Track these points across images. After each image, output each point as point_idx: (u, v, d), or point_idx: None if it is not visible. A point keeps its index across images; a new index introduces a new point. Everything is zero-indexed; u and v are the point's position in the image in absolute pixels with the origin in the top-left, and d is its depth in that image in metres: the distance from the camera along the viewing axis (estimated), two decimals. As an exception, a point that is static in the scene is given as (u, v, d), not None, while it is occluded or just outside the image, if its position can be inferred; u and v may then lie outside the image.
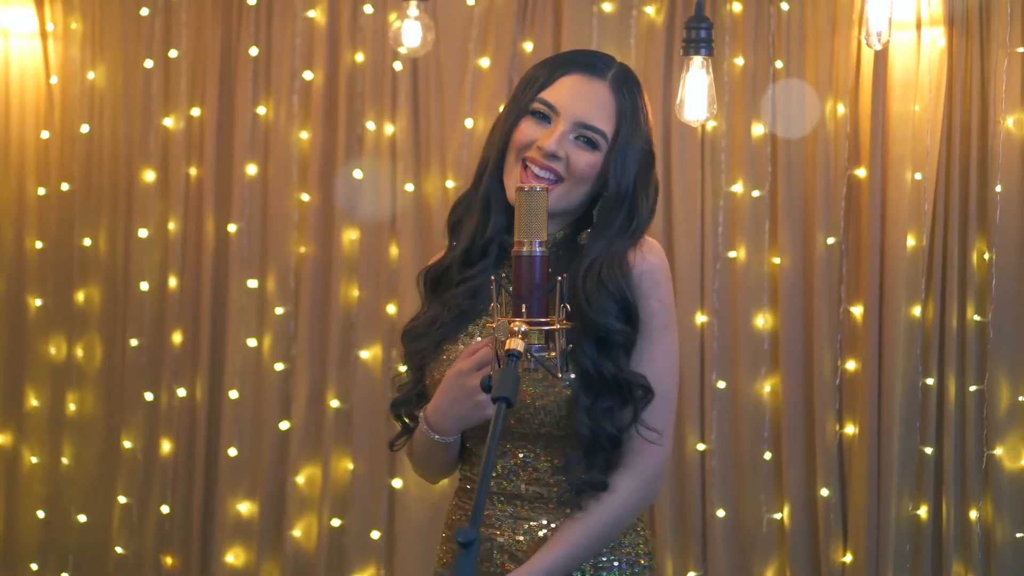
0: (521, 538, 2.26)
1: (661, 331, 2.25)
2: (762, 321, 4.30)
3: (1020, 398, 4.16)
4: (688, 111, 3.14)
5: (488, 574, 2.27)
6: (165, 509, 4.70)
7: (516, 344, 2.02)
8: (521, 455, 2.27)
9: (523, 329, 2.06)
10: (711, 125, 4.27)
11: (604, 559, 2.27)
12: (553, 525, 2.25)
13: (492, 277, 2.14)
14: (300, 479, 4.60)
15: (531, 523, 2.26)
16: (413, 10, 3.76)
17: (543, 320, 2.08)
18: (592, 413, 2.18)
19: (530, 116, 2.26)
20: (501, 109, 2.46)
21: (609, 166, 2.25)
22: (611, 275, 2.22)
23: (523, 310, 2.08)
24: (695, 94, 3.12)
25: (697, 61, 3.13)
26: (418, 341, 2.36)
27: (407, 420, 2.38)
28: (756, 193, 4.31)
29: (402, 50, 3.95)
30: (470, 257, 2.33)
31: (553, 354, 2.07)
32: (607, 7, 4.39)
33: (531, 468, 2.27)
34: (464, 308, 2.31)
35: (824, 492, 4.24)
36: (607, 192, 2.27)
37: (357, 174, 4.55)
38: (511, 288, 2.08)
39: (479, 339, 2.26)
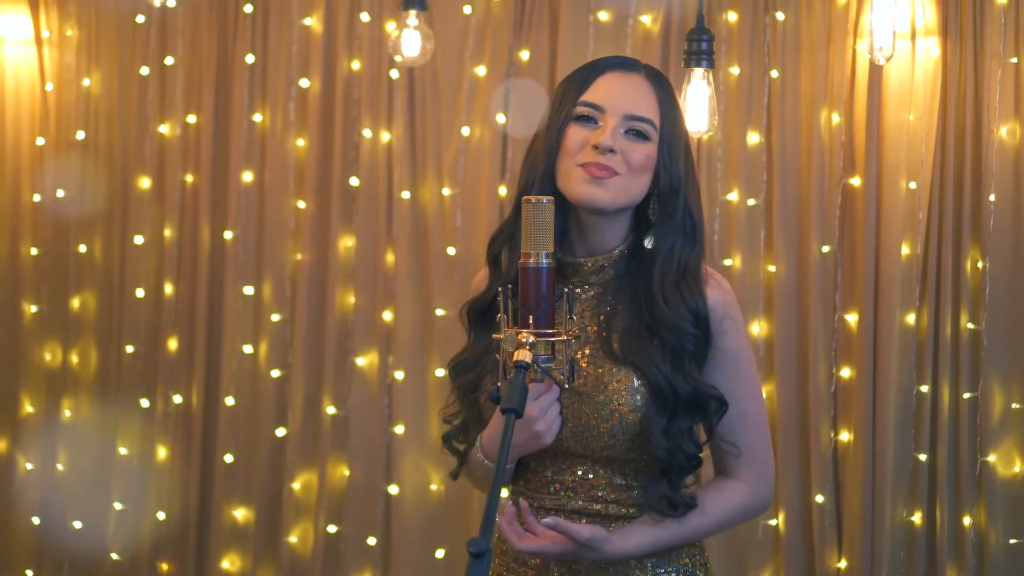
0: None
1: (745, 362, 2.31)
2: (757, 328, 4.32)
3: (1014, 405, 4.19)
4: (690, 122, 3.15)
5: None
6: (161, 515, 4.71)
7: (523, 356, 2.04)
8: (580, 472, 2.26)
9: (530, 340, 2.07)
10: (707, 135, 4.29)
11: (662, 569, 2.27)
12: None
13: (500, 289, 2.15)
14: (296, 485, 4.61)
15: None
16: (412, 19, 3.77)
17: (550, 331, 2.10)
18: (668, 433, 2.19)
19: (575, 122, 2.24)
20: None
21: (660, 156, 2.24)
22: (685, 282, 2.24)
23: (530, 321, 2.10)
24: (696, 106, 3.14)
25: (698, 73, 3.15)
26: (468, 372, 2.32)
27: (460, 449, 2.36)
28: (752, 202, 4.34)
29: (398, 58, 3.96)
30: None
31: (559, 366, 2.10)
32: (603, 16, 4.41)
33: (589, 485, 2.26)
34: None
35: (819, 498, 4.26)
36: (659, 188, 2.26)
37: (354, 181, 4.56)
38: (519, 300, 2.10)
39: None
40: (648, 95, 2.25)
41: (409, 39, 3.81)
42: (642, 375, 2.20)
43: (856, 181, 4.27)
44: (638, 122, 2.23)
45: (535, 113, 2.43)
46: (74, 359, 4.80)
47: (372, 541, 4.56)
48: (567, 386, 2.14)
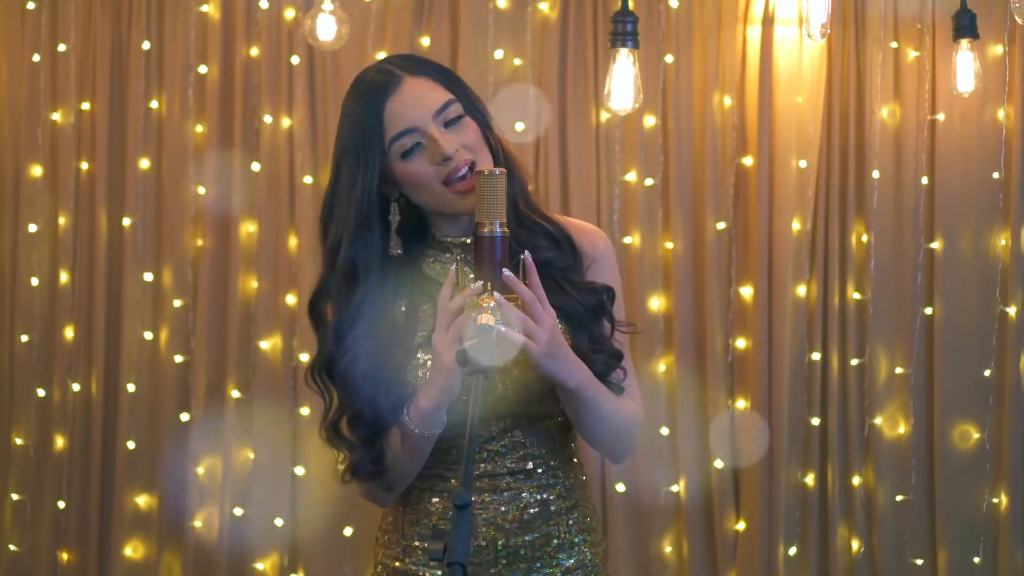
0: (505, 508, 2.31)
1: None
2: (656, 303, 4.48)
3: (898, 370, 4.44)
4: (615, 101, 3.27)
5: (473, 548, 2.29)
6: (61, 505, 4.67)
7: (487, 319, 2.10)
8: (518, 436, 2.31)
9: (491, 305, 2.14)
10: (605, 116, 4.44)
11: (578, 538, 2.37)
12: (537, 496, 2.32)
13: (457, 259, 2.22)
14: (200, 470, 4.62)
15: (515, 496, 2.32)
16: (327, 4, 3.80)
17: (508, 296, 2.19)
18: (596, 343, 2.28)
19: (403, 160, 2.25)
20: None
21: (473, 117, 2.29)
22: (523, 212, 2.32)
23: (488, 287, 2.17)
24: (622, 85, 3.25)
25: (623, 53, 3.27)
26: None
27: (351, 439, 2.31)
28: (649, 181, 4.50)
29: (311, 41, 3.98)
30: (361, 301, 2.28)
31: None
32: (502, 3, 4.52)
33: (520, 446, 2.32)
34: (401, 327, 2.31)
35: (718, 464, 4.45)
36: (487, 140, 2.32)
37: (255, 167, 4.59)
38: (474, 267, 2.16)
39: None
40: (426, 84, 2.27)
41: (324, 24, 3.84)
42: (562, 315, 2.26)
43: (748, 161, 4.47)
44: (444, 111, 2.26)
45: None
46: (-36, 350, 4.73)
47: (279, 522, 4.60)
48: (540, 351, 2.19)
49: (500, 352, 2.09)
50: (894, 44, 4.41)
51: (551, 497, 2.33)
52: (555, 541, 2.34)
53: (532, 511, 2.32)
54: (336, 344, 2.28)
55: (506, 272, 2.12)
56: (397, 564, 2.37)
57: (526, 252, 2.16)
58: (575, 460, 2.40)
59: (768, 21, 4.42)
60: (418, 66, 2.30)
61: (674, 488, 4.52)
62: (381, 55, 4.55)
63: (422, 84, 2.26)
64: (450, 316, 2.12)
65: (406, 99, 2.23)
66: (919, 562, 4.46)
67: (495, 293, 2.13)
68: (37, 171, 4.69)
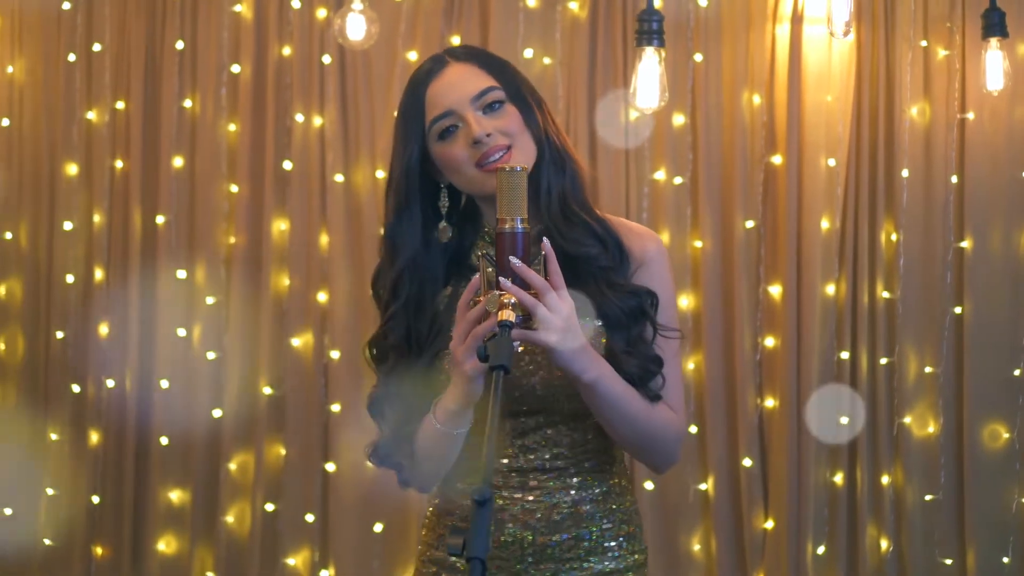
0: (534, 507, 2.31)
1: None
2: (685, 302, 4.49)
3: (927, 369, 4.43)
4: (641, 99, 3.28)
5: (501, 543, 2.32)
6: (95, 499, 4.73)
7: (507, 315, 2.11)
8: (549, 432, 2.32)
9: (512, 301, 2.15)
10: (634, 115, 4.44)
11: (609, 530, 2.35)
12: (568, 497, 2.32)
13: (479, 254, 2.22)
14: (232, 466, 4.66)
15: (545, 495, 2.32)
16: (357, 3, 3.83)
17: (529, 293, 2.19)
18: (632, 345, 2.25)
19: (440, 142, 2.28)
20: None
21: (517, 106, 2.29)
22: (573, 211, 2.30)
23: (510, 283, 2.18)
24: (647, 83, 3.27)
25: (649, 51, 3.28)
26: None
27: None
28: (678, 180, 4.51)
29: (341, 40, 4.00)
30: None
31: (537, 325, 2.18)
32: (531, 2, 4.54)
33: (552, 443, 2.32)
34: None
35: (747, 462, 4.45)
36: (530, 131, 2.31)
37: (287, 165, 4.63)
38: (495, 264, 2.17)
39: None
40: (470, 70, 2.30)
41: (354, 23, 3.87)
42: (599, 314, 2.26)
43: (777, 159, 4.46)
44: (484, 96, 2.28)
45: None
46: (1, 346, 4.78)
47: (310, 518, 4.64)
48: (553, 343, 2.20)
49: (517, 348, 2.11)
50: (924, 42, 4.40)
51: (584, 499, 2.32)
52: (586, 544, 2.33)
53: (562, 511, 2.32)
54: (381, 319, 2.35)
55: (514, 260, 2.09)
56: (435, 553, 2.40)
57: (544, 240, 2.15)
58: (617, 466, 2.38)
59: (797, 19, 4.41)
60: (468, 54, 2.34)
61: (702, 486, 4.52)
62: (412, 55, 4.58)
63: (465, 70, 2.29)
64: (467, 325, 2.11)
65: (446, 83, 2.27)
66: (948, 562, 4.45)
67: (513, 285, 2.13)
68: (72, 169, 4.75)
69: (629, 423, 2.24)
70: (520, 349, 2.24)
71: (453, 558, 2.34)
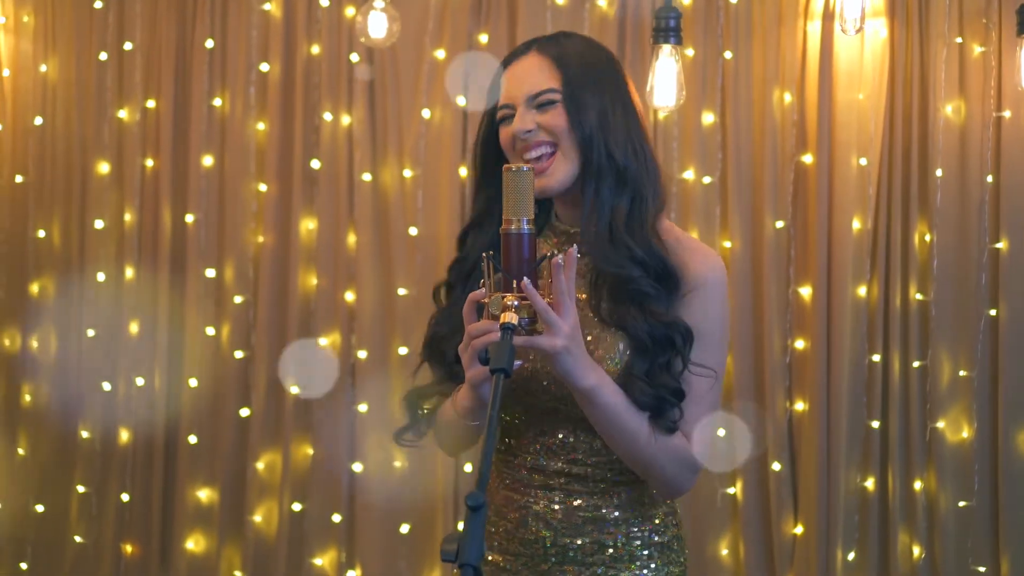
0: (557, 507, 2.30)
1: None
2: (714, 303, 4.42)
3: (961, 373, 4.34)
4: (658, 97, 3.24)
5: (524, 540, 2.32)
6: (125, 497, 4.74)
7: (510, 317, 2.08)
8: (560, 436, 2.30)
9: (515, 303, 2.12)
10: (663, 114, 4.39)
11: (635, 528, 2.31)
12: (590, 502, 2.30)
13: (484, 255, 2.19)
14: (260, 465, 4.66)
15: (567, 497, 2.31)
16: (379, 1, 3.81)
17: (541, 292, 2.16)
18: (651, 375, 2.19)
19: (503, 125, 2.31)
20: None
21: (568, 111, 2.25)
22: (629, 231, 2.23)
23: (514, 286, 2.15)
24: (664, 81, 3.22)
25: (666, 49, 3.24)
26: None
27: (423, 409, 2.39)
28: (707, 179, 4.45)
29: (364, 40, 3.99)
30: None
31: (541, 327, 2.15)
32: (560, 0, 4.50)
33: (569, 448, 2.30)
34: None
35: (776, 466, 4.39)
36: (579, 139, 2.26)
37: (315, 164, 4.62)
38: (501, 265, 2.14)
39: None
40: (541, 67, 2.29)
41: (376, 21, 3.85)
42: (626, 335, 2.22)
43: (808, 158, 4.39)
44: (538, 98, 2.27)
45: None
46: (33, 344, 4.81)
47: (337, 518, 4.63)
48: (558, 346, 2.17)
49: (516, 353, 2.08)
50: (959, 39, 4.31)
51: (606, 507, 2.30)
52: (610, 551, 2.30)
53: (583, 515, 2.30)
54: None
55: (525, 281, 2.06)
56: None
57: (572, 248, 2.10)
58: None
59: (828, 16, 4.33)
60: (549, 47, 2.32)
61: (731, 490, 4.46)
62: (440, 53, 4.56)
63: (537, 65, 2.29)
64: (470, 335, 2.10)
65: (515, 73, 2.31)
66: (982, 569, 4.36)
67: (522, 285, 2.11)
68: (104, 168, 4.77)
69: (628, 440, 2.19)
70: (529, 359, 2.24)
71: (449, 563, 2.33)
